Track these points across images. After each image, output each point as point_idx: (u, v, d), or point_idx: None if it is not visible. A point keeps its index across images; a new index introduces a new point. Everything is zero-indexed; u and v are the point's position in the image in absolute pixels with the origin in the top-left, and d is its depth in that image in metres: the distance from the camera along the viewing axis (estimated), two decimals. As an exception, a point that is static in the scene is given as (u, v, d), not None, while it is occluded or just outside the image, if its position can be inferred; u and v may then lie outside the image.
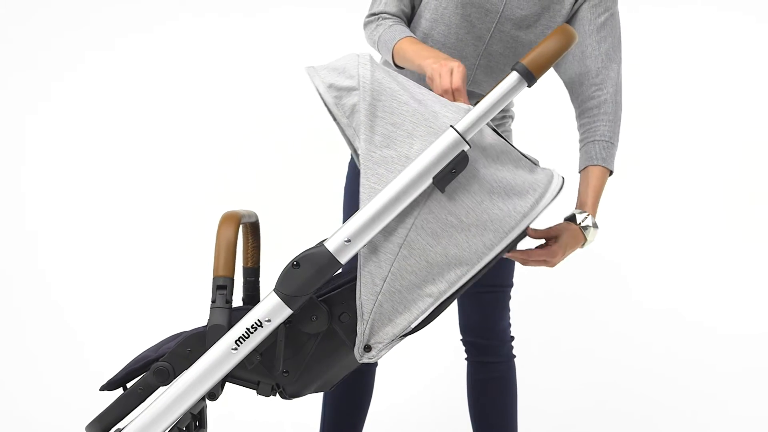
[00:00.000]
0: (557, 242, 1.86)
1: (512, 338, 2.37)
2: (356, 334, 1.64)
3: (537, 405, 3.27)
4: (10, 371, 3.61)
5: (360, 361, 1.66)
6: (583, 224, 1.90)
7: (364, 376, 2.36)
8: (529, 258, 1.85)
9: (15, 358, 3.68)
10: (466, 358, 2.40)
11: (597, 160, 1.98)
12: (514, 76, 1.60)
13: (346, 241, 1.59)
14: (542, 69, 1.59)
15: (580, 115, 2.07)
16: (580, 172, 2.02)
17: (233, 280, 1.66)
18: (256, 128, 4.20)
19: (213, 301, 1.65)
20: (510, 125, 2.33)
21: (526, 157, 1.69)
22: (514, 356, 2.38)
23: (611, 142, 2.01)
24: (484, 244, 1.61)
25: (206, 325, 1.76)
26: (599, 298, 3.87)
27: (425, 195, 1.59)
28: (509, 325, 2.36)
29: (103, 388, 1.77)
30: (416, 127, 1.60)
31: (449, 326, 2.56)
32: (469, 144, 1.57)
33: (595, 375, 3.65)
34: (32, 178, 4.16)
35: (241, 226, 1.78)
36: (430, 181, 1.57)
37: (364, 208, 1.58)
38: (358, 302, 1.62)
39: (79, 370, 3.53)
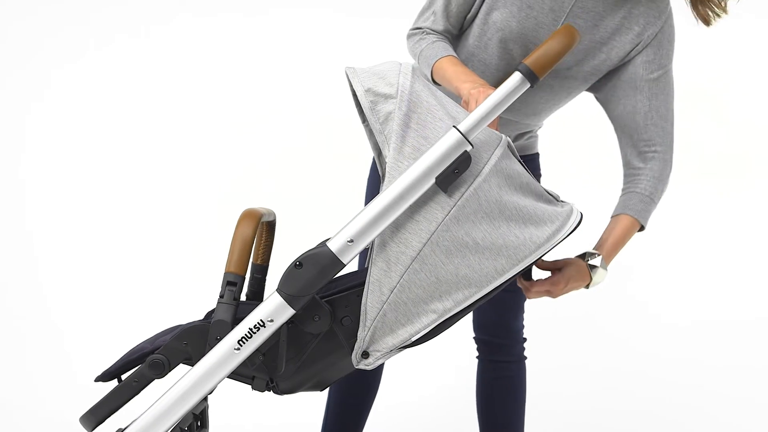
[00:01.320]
0: (561, 273, 1.86)
1: (525, 339, 2.38)
2: (356, 339, 1.64)
3: (544, 407, 3.26)
4: (7, 371, 3.60)
5: (356, 367, 1.66)
6: (591, 262, 1.90)
7: (371, 371, 2.36)
8: (532, 288, 1.85)
9: (11, 358, 3.67)
10: (477, 357, 2.40)
11: (631, 210, 1.97)
12: (516, 76, 1.59)
13: (348, 241, 1.58)
14: (545, 69, 1.59)
15: (627, 165, 2.05)
16: (612, 217, 2.01)
17: (244, 278, 1.66)
18: (256, 128, 4.20)
19: (221, 296, 1.64)
20: (537, 131, 2.31)
21: (548, 192, 1.70)
22: (526, 357, 2.38)
23: (651, 198, 1.99)
24: (495, 269, 1.61)
25: (204, 319, 1.77)
26: (608, 301, 3.86)
27: (444, 212, 1.58)
28: (523, 326, 2.36)
29: (98, 379, 1.76)
30: None
31: (461, 324, 2.55)
32: (471, 144, 1.57)
33: (600, 379, 3.64)
34: (31, 178, 4.16)
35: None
36: (432, 181, 1.56)
37: (367, 208, 1.58)
38: (362, 308, 1.62)
39: (76, 369, 3.53)
